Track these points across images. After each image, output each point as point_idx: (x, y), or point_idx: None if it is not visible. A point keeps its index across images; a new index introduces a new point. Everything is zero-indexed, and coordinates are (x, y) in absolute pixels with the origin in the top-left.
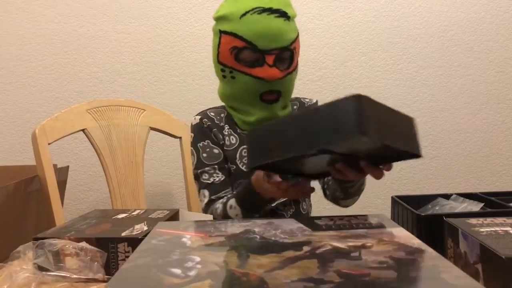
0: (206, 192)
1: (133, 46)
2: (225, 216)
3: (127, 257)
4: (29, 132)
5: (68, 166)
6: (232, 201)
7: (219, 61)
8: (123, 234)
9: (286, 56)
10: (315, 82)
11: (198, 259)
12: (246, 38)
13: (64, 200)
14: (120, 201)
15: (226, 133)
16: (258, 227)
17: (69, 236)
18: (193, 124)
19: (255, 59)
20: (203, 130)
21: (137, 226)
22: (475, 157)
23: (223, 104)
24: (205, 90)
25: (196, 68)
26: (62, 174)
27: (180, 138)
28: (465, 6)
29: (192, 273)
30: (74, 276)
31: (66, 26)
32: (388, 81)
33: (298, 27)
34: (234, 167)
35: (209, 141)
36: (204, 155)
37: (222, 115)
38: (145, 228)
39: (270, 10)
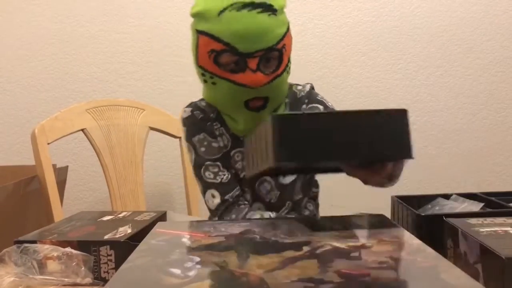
0: (216, 192)
1: (133, 46)
2: None
3: (110, 260)
4: (29, 132)
5: (67, 166)
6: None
7: (198, 64)
8: (106, 237)
9: (273, 56)
10: (315, 82)
11: (198, 259)
12: (224, 39)
13: (64, 200)
14: (119, 201)
15: (217, 132)
16: (258, 227)
17: (51, 239)
18: (183, 117)
19: (236, 62)
20: (197, 123)
21: (121, 229)
22: (475, 157)
23: None
24: None
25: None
26: (61, 174)
27: (179, 138)
28: (465, 6)
29: (192, 273)
30: (65, 279)
31: (66, 26)
32: (388, 81)
33: (298, 27)
34: (234, 171)
35: (205, 134)
36: (203, 149)
37: (213, 108)
38: (129, 230)
39: (252, 5)
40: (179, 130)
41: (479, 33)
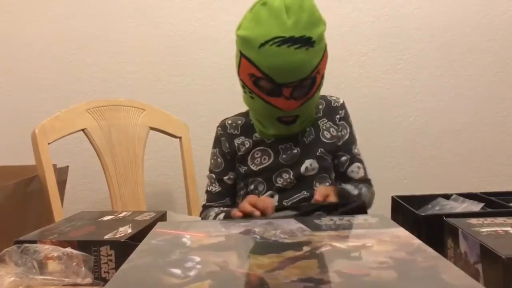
0: (205, 196)
1: (133, 46)
2: None
3: (110, 260)
4: (29, 132)
5: (68, 166)
6: (221, 216)
7: (239, 76)
8: (106, 237)
9: (306, 84)
10: None
11: (198, 259)
12: (264, 70)
13: (64, 200)
14: (120, 201)
15: (239, 141)
16: (258, 227)
17: (52, 239)
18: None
19: (272, 88)
20: (216, 138)
21: (121, 229)
22: (475, 157)
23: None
24: (205, 90)
25: (196, 68)
26: (61, 174)
27: (180, 138)
28: (465, 6)
29: (192, 273)
30: (65, 279)
31: (66, 26)
32: (388, 81)
33: None
34: (246, 168)
35: (218, 149)
36: (212, 161)
37: (240, 122)
38: (129, 230)
39: (291, 41)
40: (179, 130)
41: (479, 33)
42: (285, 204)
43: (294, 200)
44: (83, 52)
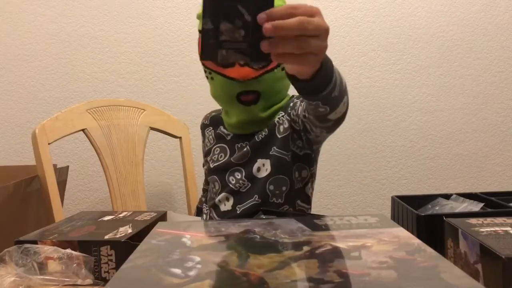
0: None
1: (133, 46)
2: None
3: (110, 260)
4: (29, 132)
5: (68, 166)
6: None
7: (201, 62)
8: (106, 237)
9: None
10: None
11: (198, 259)
12: None
13: (64, 200)
14: (120, 201)
15: (207, 134)
16: (258, 227)
17: (52, 239)
18: None
19: None
20: (201, 130)
21: (121, 229)
22: (475, 157)
23: None
24: (205, 90)
25: (196, 68)
26: (62, 174)
27: (180, 138)
28: (465, 6)
29: (192, 273)
30: (65, 279)
31: (66, 26)
32: (388, 81)
33: None
34: (207, 164)
35: (203, 137)
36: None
37: (214, 113)
38: (130, 230)
39: None
40: (179, 130)
41: (479, 33)
42: (238, 209)
43: (246, 206)
44: (83, 52)
